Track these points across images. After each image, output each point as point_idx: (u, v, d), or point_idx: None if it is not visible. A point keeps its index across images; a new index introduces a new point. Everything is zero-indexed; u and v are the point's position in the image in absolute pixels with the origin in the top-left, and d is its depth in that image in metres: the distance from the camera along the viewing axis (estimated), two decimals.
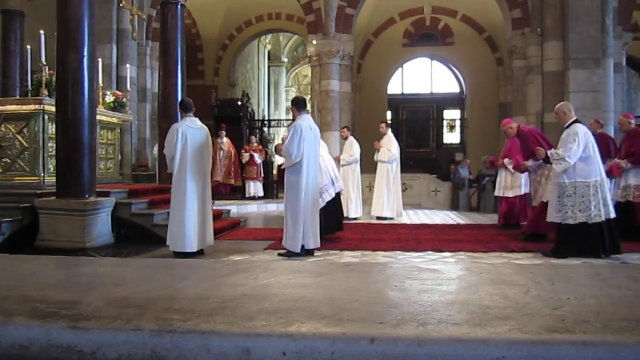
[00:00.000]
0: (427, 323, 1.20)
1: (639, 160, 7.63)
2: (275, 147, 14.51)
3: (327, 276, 1.76)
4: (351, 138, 10.79)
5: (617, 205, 8.14)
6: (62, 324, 1.19)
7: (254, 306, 1.33)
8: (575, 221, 5.97)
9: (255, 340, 1.13)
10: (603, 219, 5.99)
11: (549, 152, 6.26)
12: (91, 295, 1.42)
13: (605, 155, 7.64)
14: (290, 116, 27.25)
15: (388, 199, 10.63)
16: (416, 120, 21.57)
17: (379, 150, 10.62)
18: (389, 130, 10.86)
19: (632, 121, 8.09)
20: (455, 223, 10.45)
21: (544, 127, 12.35)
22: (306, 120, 6.52)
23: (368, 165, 12.01)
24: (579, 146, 5.96)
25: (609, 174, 8.09)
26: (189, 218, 6.43)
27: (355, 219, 10.57)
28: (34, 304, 1.34)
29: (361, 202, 10.91)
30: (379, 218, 10.61)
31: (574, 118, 6.21)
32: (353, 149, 10.61)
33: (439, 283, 1.64)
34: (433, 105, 21.67)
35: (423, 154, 20.79)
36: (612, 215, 6.08)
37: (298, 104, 6.70)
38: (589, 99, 11.75)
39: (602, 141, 7.89)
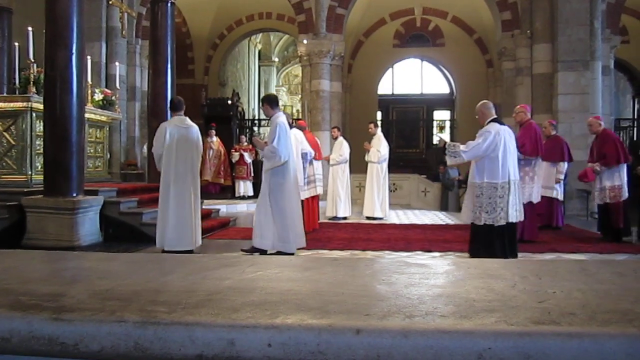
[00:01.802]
0: (414, 315, 1.20)
1: (611, 162, 7.62)
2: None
3: (314, 270, 1.76)
4: (341, 138, 10.79)
5: (598, 208, 8.22)
6: (44, 315, 1.18)
7: (239, 299, 1.32)
8: (480, 222, 5.74)
9: (240, 332, 1.12)
10: (506, 222, 5.72)
11: (447, 143, 6.09)
12: (75, 288, 1.41)
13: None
14: None
15: (378, 199, 10.67)
16: (406, 121, 21.63)
17: (369, 151, 10.65)
18: (378, 131, 10.89)
19: (602, 123, 8.12)
20: (444, 223, 10.49)
21: None
22: (283, 117, 6.35)
23: (358, 166, 12.03)
24: (483, 144, 5.65)
25: (582, 178, 8.13)
26: (176, 217, 6.40)
27: (344, 218, 10.59)
28: (16, 296, 1.32)
29: (350, 202, 10.93)
30: (368, 218, 10.63)
31: (493, 117, 5.95)
32: (343, 149, 10.62)
33: (426, 277, 1.64)
34: (423, 106, 21.74)
35: (413, 155, 20.84)
36: (516, 219, 5.85)
37: (271, 102, 6.43)
38: (578, 101, 11.85)
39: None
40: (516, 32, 13.23)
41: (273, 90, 26.86)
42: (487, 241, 5.73)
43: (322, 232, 8.72)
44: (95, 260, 1.92)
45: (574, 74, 11.88)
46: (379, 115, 19.86)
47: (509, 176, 5.75)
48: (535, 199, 7.48)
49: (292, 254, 6.06)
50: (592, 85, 12.05)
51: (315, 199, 9.07)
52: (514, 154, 5.92)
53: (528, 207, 7.30)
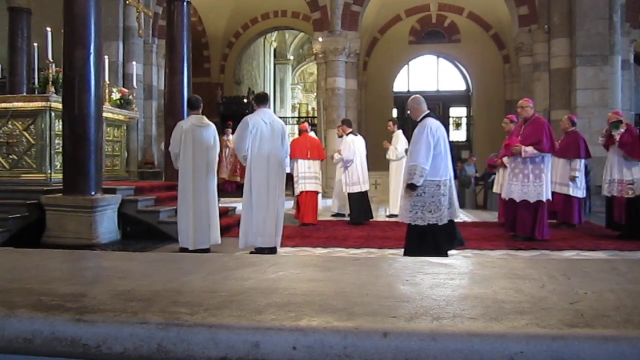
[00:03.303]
0: (441, 317, 1.17)
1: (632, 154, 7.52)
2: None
3: (336, 270, 1.73)
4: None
5: (605, 200, 8.06)
6: (66, 316, 1.16)
7: (262, 300, 1.29)
8: (424, 222, 5.43)
9: (265, 334, 1.10)
10: (447, 220, 5.50)
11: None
12: (96, 289, 1.39)
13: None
14: (296, 114, 27.24)
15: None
16: None
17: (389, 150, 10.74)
18: (396, 128, 10.86)
19: (622, 118, 8.02)
20: (461, 221, 10.38)
21: (551, 124, 12.26)
22: (259, 115, 6.31)
23: (373, 163, 11.97)
24: (426, 140, 5.36)
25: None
26: (194, 215, 6.41)
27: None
28: (37, 296, 1.31)
29: None
30: (391, 215, 10.69)
31: (426, 112, 5.64)
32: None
33: (451, 277, 1.61)
34: (439, 103, 21.57)
35: None
36: (457, 217, 5.71)
37: (257, 99, 6.74)
38: (597, 96, 11.68)
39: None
40: (533, 27, 13.07)
41: (288, 89, 26.90)
42: (429, 241, 5.42)
43: (338, 230, 8.71)
44: (114, 259, 1.91)
45: (593, 68, 11.71)
46: (394, 112, 19.75)
47: (449, 173, 5.52)
48: (545, 196, 7.18)
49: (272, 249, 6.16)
50: (611, 79, 11.87)
51: (310, 194, 9.52)
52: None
53: (538, 206, 7.17)
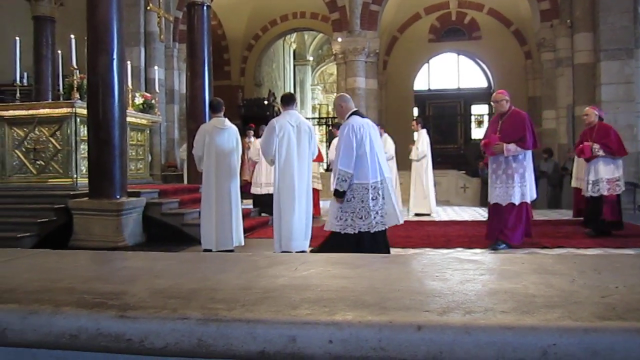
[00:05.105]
0: (473, 311, 1.19)
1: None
2: None
3: (366, 267, 1.76)
4: (385, 135, 10.93)
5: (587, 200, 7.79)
6: (110, 313, 1.21)
7: (296, 296, 1.33)
8: (354, 230, 4.98)
9: (301, 328, 1.13)
10: (385, 226, 5.14)
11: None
12: (135, 287, 1.44)
13: None
14: (317, 115, 27.27)
15: (424, 195, 10.83)
16: (443, 116, 21.40)
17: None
18: (420, 127, 10.94)
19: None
20: (485, 220, 10.32)
21: (575, 120, 12.13)
22: (285, 117, 6.19)
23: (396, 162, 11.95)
24: (344, 141, 5.06)
25: (579, 153, 7.76)
26: (217, 217, 6.48)
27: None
28: (80, 295, 1.36)
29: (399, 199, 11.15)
30: (417, 214, 10.76)
31: (353, 110, 5.39)
32: (387, 146, 10.82)
33: (480, 273, 1.62)
34: (460, 101, 21.47)
35: (451, 150, 20.60)
36: (399, 221, 5.31)
37: (282, 101, 6.57)
38: (622, 90, 11.50)
39: None
40: (555, 22, 12.93)
41: (308, 90, 26.93)
42: (358, 251, 4.81)
43: None
44: (148, 259, 1.96)
45: (618, 62, 11.53)
46: (415, 111, 19.70)
47: (380, 175, 5.11)
48: (529, 197, 6.58)
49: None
50: (636, 74, 11.67)
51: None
52: (381, 150, 5.34)
53: (523, 207, 6.56)
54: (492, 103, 7.04)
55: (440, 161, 16.58)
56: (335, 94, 21.33)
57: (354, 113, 5.31)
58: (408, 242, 7.32)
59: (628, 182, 10.62)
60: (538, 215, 10.79)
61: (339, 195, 5.01)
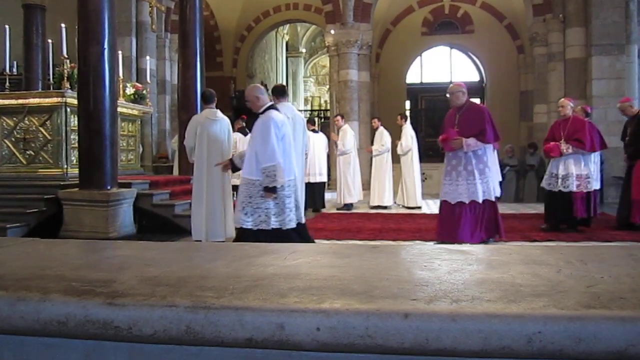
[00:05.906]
0: (460, 300, 1.20)
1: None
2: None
3: (355, 257, 1.77)
4: (381, 128, 11.04)
5: (554, 195, 7.45)
6: (98, 300, 1.21)
7: (285, 284, 1.33)
8: (269, 227, 4.92)
9: (289, 316, 1.14)
10: (294, 224, 5.09)
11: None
12: (125, 275, 1.44)
13: None
14: (309, 107, 27.20)
15: (413, 187, 10.98)
16: (435, 110, 21.38)
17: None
18: (404, 122, 11.03)
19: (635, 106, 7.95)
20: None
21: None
22: (281, 111, 5.80)
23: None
24: (277, 139, 4.94)
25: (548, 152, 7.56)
26: (207, 208, 6.48)
27: (386, 207, 10.88)
28: (69, 282, 1.36)
29: (392, 191, 11.24)
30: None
31: (269, 103, 5.22)
32: (384, 139, 11.03)
33: (468, 263, 1.64)
34: None
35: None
36: (303, 220, 5.28)
37: (276, 92, 6.25)
38: (613, 85, 11.57)
39: None
40: (548, 17, 12.96)
41: (301, 82, 26.87)
42: None
43: (352, 223, 8.74)
44: (138, 248, 1.96)
45: (609, 58, 11.59)
46: (407, 104, 19.69)
47: (293, 173, 5.11)
48: (493, 194, 6.24)
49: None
50: (628, 69, 11.75)
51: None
52: (298, 146, 5.27)
53: (492, 204, 6.26)
54: (447, 95, 6.59)
55: (432, 154, 16.62)
56: (327, 86, 21.31)
57: (271, 107, 5.18)
58: (399, 235, 7.35)
59: (615, 177, 10.71)
60: (527, 209, 10.87)
61: (273, 191, 4.90)
